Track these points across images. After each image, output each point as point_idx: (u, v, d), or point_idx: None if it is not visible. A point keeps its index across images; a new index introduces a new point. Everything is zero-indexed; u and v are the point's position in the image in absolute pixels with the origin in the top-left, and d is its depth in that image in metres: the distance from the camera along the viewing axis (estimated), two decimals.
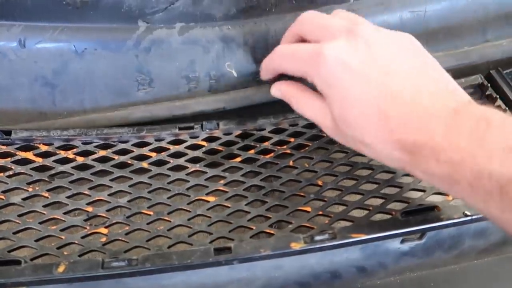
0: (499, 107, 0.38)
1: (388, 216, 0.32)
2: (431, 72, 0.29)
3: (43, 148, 0.36)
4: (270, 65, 0.35)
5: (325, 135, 0.38)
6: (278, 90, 0.35)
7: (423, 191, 0.33)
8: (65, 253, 0.29)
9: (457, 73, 0.41)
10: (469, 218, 0.31)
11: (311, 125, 0.39)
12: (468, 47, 0.41)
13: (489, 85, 0.39)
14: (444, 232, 0.34)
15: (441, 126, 0.26)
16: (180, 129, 0.38)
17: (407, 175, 0.35)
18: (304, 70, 0.31)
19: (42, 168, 0.35)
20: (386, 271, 0.36)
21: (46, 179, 0.34)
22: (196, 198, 0.34)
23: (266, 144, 0.38)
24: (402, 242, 0.34)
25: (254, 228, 0.32)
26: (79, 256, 0.29)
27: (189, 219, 0.32)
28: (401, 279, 0.36)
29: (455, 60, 0.41)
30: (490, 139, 0.24)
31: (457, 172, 0.25)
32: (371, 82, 0.28)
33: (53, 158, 0.35)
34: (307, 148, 0.37)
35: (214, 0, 0.38)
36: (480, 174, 0.24)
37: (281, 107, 0.37)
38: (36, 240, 0.30)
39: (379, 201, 0.33)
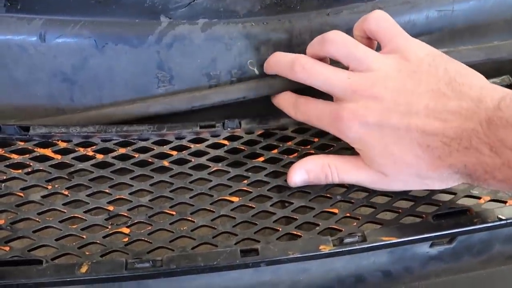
0: None
1: (419, 219, 0.31)
2: (449, 90, 0.29)
3: (62, 145, 0.35)
4: (296, 117, 0.36)
5: None
6: (304, 174, 0.33)
7: (454, 193, 0.32)
8: (87, 253, 0.28)
9: (484, 70, 0.40)
10: (503, 222, 0.30)
11: None
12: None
13: None
14: (475, 236, 0.33)
15: (483, 144, 0.26)
16: (201, 127, 0.37)
17: None
18: (333, 132, 0.33)
19: (61, 166, 0.34)
20: (411, 275, 0.35)
21: (66, 177, 0.33)
22: (219, 198, 0.33)
23: (290, 144, 0.37)
24: (431, 246, 0.33)
25: (280, 229, 0.31)
26: (101, 256, 0.28)
27: (212, 220, 0.31)
28: (426, 284, 0.35)
29: (484, 54, 0.39)
30: None
31: None
32: (399, 129, 0.29)
33: (72, 155, 0.34)
34: (331, 148, 0.36)
35: None
36: None
37: None
38: (57, 239, 0.29)
39: (408, 204, 0.32)
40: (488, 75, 0.40)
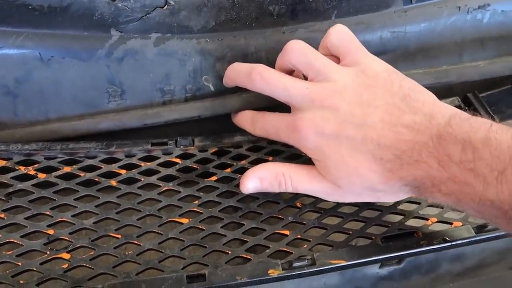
0: None
1: (368, 241, 0.31)
2: (404, 104, 0.30)
3: (1, 163, 0.33)
4: (255, 132, 0.36)
5: (304, 154, 0.37)
6: (257, 182, 0.33)
7: (403, 214, 0.33)
8: (21, 281, 0.27)
9: (434, 93, 0.41)
10: (448, 244, 0.31)
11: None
12: (447, 66, 0.42)
13: (466, 108, 0.40)
14: (423, 256, 0.33)
15: (432, 158, 0.27)
16: (152, 144, 0.36)
17: None
18: (291, 143, 0.33)
19: None
20: None
21: (3, 198, 0.31)
22: (168, 219, 0.32)
23: (243, 163, 0.36)
24: (381, 266, 0.33)
25: (229, 252, 0.30)
26: (37, 285, 0.27)
27: (160, 243, 0.30)
28: None
29: (433, 78, 0.41)
30: (481, 167, 0.25)
31: (461, 200, 0.26)
32: (355, 139, 0.29)
33: (12, 174, 0.32)
34: None
35: (192, 11, 0.36)
36: (482, 202, 0.25)
37: None
38: None
39: (359, 225, 0.32)
40: (439, 94, 0.42)
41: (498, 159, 0.24)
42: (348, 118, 0.30)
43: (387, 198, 0.32)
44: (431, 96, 0.31)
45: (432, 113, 0.28)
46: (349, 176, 0.30)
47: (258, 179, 0.33)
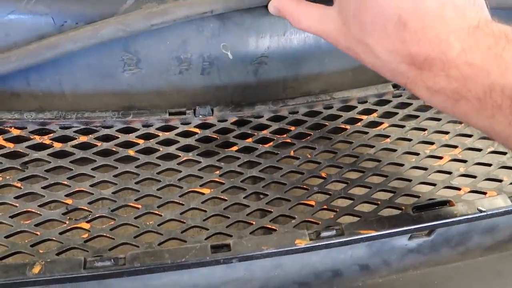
0: None
1: (398, 212, 0.30)
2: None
3: (15, 132, 0.32)
4: None
5: (327, 123, 0.36)
6: (274, 7, 0.33)
7: (434, 184, 0.31)
8: (41, 251, 0.26)
9: None
10: (483, 214, 0.29)
11: (312, 113, 0.37)
12: None
13: None
14: (454, 228, 0.32)
15: (459, 42, 0.25)
16: (170, 114, 0.35)
17: (416, 167, 0.33)
18: None
19: (13, 155, 0.31)
20: (389, 268, 0.34)
21: (19, 167, 0.30)
22: (189, 190, 0.31)
23: (265, 133, 0.35)
24: (410, 238, 0.32)
25: (253, 223, 0.29)
26: (57, 254, 0.26)
27: (181, 213, 0.29)
28: (404, 276, 0.34)
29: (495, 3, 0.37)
30: (507, 56, 0.23)
31: (466, 86, 0.24)
32: None
33: (27, 143, 0.31)
34: (308, 138, 0.35)
35: None
36: (492, 87, 0.23)
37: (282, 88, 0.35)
38: (7, 237, 0.26)
39: (387, 195, 0.31)
40: None
41: None
42: None
43: (374, 64, 0.28)
44: None
45: (481, 5, 0.26)
46: (365, 21, 0.27)
47: (274, 7, 0.32)
